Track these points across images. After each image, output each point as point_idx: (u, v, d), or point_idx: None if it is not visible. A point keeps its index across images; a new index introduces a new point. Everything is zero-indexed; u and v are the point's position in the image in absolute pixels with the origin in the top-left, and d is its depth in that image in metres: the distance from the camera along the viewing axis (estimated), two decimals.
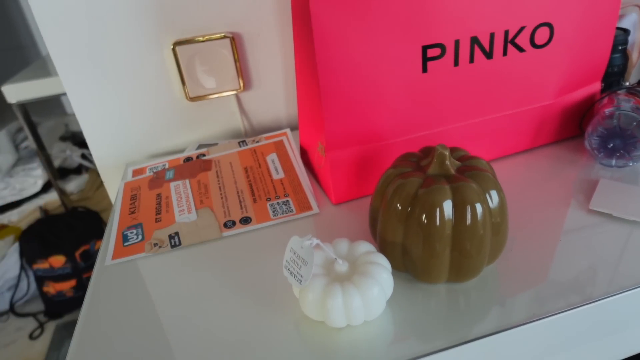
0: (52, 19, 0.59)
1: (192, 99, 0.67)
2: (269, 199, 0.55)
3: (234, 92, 0.69)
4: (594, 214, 0.47)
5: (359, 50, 0.44)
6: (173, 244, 0.49)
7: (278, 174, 0.59)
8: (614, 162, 0.53)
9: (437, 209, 0.36)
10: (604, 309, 0.38)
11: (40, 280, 1.54)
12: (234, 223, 0.52)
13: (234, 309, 0.40)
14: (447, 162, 0.38)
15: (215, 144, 0.67)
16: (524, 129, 0.57)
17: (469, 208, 0.36)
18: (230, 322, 0.38)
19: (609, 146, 0.53)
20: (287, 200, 0.54)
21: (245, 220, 0.52)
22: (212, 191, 0.57)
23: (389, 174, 0.41)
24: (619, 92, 0.58)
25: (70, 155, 1.71)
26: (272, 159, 0.62)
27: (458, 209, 0.36)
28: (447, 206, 0.36)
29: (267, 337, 0.37)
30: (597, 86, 0.61)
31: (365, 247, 0.38)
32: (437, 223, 0.36)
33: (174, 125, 0.69)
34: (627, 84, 0.67)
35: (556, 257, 0.42)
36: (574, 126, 0.61)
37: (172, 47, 0.63)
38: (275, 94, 0.72)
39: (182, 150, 0.70)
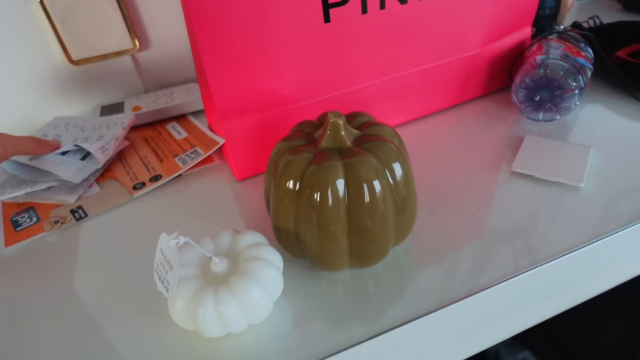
0: None
1: (76, 63, 0.57)
2: (175, 155, 0.51)
3: (129, 53, 0.60)
4: (517, 176, 0.43)
5: None
6: (78, 217, 0.44)
7: (180, 135, 0.55)
8: (541, 115, 0.49)
9: (329, 189, 0.30)
10: (524, 283, 0.35)
11: None
12: (143, 184, 0.48)
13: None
14: (342, 133, 0.32)
15: (121, 102, 0.59)
16: (448, 83, 0.52)
17: (365, 186, 0.30)
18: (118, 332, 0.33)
19: (536, 99, 0.48)
20: (195, 149, 0.51)
21: (156, 178, 0.48)
22: (113, 165, 0.52)
23: (278, 148, 0.34)
24: (549, 37, 0.54)
25: None
26: (172, 125, 0.58)
27: (352, 188, 0.30)
28: (340, 185, 0.30)
29: (134, 347, 0.31)
30: (527, 32, 0.56)
31: (252, 239, 0.32)
32: (330, 204, 0.30)
33: (61, 94, 0.59)
34: (561, 27, 0.63)
35: (475, 228, 0.38)
36: (503, 77, 0.56)
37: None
38: (179, 52, 0.63)
39: None
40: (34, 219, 0.44)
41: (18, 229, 0.43)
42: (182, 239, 0.29)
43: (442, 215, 0.40)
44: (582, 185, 0.40)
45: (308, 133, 0.35)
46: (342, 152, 0.32)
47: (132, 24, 0.58)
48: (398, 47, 0.45)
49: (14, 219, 0.44)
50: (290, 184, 0.32)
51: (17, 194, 0.46)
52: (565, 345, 0.95)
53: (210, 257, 0.30)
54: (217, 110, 0.41)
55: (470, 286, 0.33)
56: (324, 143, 0.32)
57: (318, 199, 0.31)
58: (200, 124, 0.56)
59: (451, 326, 0.34)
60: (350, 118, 0.36)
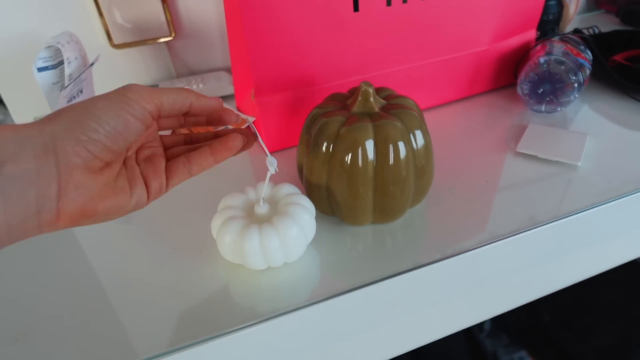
0: None
1: (117, 46, 0.62)
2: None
3: (164, 40, 0.65)
4: (521, 156, 0.48)
5: None
6: None
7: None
8: (543, 107, 0.54)
9: (359, 148, 0.35)
10: (524, 242, 0.39)
11: None
12: None
13: (160, 250, 0.38)
14: (372, 99, 0.37)
15: (156, 85, 0.64)
16: (460, 76, 0.57)
17: (391, 147, 0.35)
18: (156, 265, 0.37)
19: (539, 92, 0.53)
20: (226, 127, 0.55)
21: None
22: None
23: (313, 114, 0.39)
24: (552, 39, 0.59)
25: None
26: None
27: (380, 148, 0.35)
28: (369, 145, 0.35)
29: (188, 280, 0.35)
30: (532, 34, 0.61)
31: (289, 189, 0.37)
32: (360, 164, 0.35)
33: (99, 74, 0.64)
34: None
35: (482, 198, 0.42)
36: (509, 74, 0.61)
37: None
38: (209, 44, 0.68)
39: None
40: None
41: None
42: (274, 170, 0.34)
43: (454, 186, 0.44)
44: (579, 164, 0.45)
45: (340, 102, 0.39)
46: (371, 116, 0.36)
47: (171, 14, 0.63)
48: (416, 38, 0.50)
49: None
50: (325, 145, 0.36)
51: None
52: (560, 346, 0.98)
53: (259, 199, 0.34)
54: (254, 87, 0.46)
55: (476, 241, 0.37)
56: (355, 108, 0.37)
57: (350, 157, 0.35)
58: (229, 106, 0.61)
59: (461, 274, 0.38)
60: (377, 91, 0.40)
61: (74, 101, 0.51)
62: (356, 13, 0.45)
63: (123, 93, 0.26)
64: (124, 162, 0.28)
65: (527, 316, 1.02)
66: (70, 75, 0.48)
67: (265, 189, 0.35)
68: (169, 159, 0.31)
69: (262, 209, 0.34)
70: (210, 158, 0.31)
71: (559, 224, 0.39)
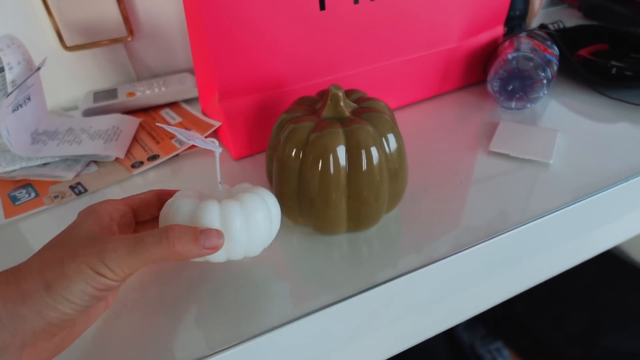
0: None
1: (70, 49, 0.58)
2: (171, 138, 0.53)
3: (122, 41, 0.61)
4: (493, 155, 0.47)
5: None
6: (78, 192, 0.45)
7: (174, 120, 0.58)
8: (513, 104, 0.54)
9: (330, 155, 0.33)
10: (501, 243, 0.38)
11: None
12: (141, 163, 0.49)
13: None
14: (342, 104, 0.35)
15: (114, 89, 0.60)
16: (430, 74, 0.56)
17: (363, 152, 0.33)
18: None
19: (509, 89, 0.53)
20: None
21: (153, 158, 0.50)
22: None
23: (282, 119, 0.37)
24: (520, 35, 0.59)
25: None
26: (166, 111, 0.60)
27: (352, 154, 0.33)
28: (341, 151, 0.33)
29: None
30: (499, 30, 0.61)
31: (246, 185, 0.34)
32: (332, 171, 0.33)
33: (52, 78, 0.60)
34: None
35: (457, 199, 0.42)
36: (478, 71, 0.61)
37: None
38: (171, 44, 0.65)
39: (70, 107, 0.62)
40: (33, 194, 0.45)
41: (17, 203, 0.44)
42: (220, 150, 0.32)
43: (427, 188, 0.43)
44: (551, 162, 0.45)
45: (309, 106, 0.38)
46: (342, 121, 0.35)
47: (127, 13, 0.60)
48: (385, 37, 0.49)
49: (12, 194, 0.45)
50: (294, 151, 0.34)
51: (12, 167, 0.46)
52: (534, 334, 1.00)
53: (218, 183, 0.32)
54: (218, 90, 0.44)
55: (453, 246, 0.36)
56: (325, 113, 0.35)
57: (321, 164, 0.33)
58: (194, 110, 0.58)
59: (440, 281, 0.37)
60: (347, 94, 0.39)
61: (20, 110, 0.47)
62: (322, 12, 0.43)
63: (101, 270, 0.25)
64: None
65: (502, 307, 1.04)
66: (13, 81, 0.44)
67: (218, 170, 0.32)
68: None
69: (222, 191, 0.32)
70: None
71: (534, 224, 0.38)
